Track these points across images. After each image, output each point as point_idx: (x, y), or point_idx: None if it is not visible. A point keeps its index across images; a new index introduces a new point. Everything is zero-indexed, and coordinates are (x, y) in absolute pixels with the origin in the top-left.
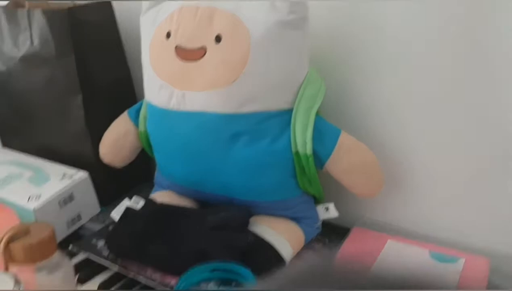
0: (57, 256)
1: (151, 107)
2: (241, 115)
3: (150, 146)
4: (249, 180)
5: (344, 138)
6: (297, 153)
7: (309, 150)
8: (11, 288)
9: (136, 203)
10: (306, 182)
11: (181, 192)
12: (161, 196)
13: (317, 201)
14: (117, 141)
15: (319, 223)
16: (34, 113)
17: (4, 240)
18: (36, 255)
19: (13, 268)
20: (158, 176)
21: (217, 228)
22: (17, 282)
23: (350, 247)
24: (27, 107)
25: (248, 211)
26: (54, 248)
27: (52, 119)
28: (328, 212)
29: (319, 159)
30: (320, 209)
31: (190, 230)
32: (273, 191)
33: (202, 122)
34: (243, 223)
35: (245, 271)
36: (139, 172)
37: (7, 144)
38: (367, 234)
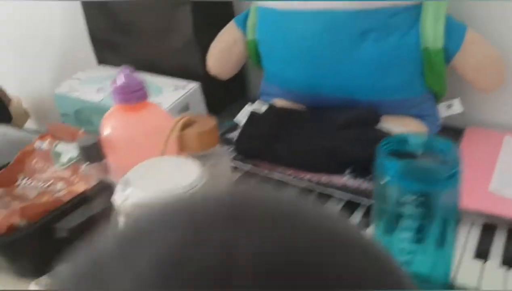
0: (218, 146)
1: (265, 11)
2: (370, 12)
3: (257, 55)
4: (376, 78)
5: (471, 34)
6: (426, 48)
7: (440, 44)
8: (196, 172)
9: (259, 108)
10: (433, 78)
11: (294, 99)
12: (275, 103)
13: (437, 99)
14: (225, 51)
15: (440, 121)
16: (136, 28)
17: (177, 127)
18: (204, 143)
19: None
20: (265, 86)
21: (345, 126)
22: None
23: (468, 148)
24: (129, 22)
25: (376, 110)
26: (218, 138)
27: (157, 33)
28: (452, 108)
29: (447, 54)
30: (441, 106)
31: (317, 129)
32: (400, 88)
33: (329, 21)
34: (372, 121)
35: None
36: (237, 87)
37: (104, 62)
38: (482, 133)
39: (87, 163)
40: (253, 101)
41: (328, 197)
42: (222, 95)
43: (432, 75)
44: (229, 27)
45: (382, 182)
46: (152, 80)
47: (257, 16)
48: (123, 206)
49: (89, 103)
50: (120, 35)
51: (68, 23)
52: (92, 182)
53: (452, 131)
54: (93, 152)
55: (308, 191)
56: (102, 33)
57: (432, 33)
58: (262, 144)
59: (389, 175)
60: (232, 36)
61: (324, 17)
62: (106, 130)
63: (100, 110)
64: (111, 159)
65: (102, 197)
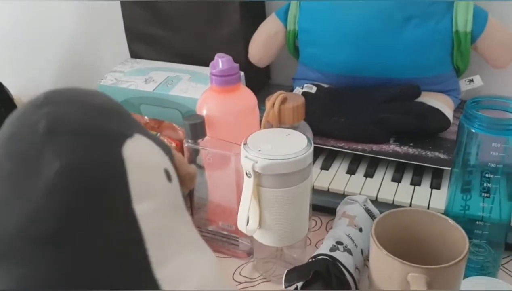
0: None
1: (311, 3)
2: (413, 1)
3: (294, 44)
4: (414, 59)
5: (492, 18)
6: (457, 31)
7: (469, 28)
8: (304, 140)
9: (309, 88)
10: (459, 57)
11: (335, 81)
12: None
13: (458, 76)
14: (267, 41)
15: (461, 95)
16: (178, 20)
17: (278, 102)
18: (296, 116)
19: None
20: (302, 71)
21: (391, 100)
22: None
23: None
24: (169, 15)
25: (418, 86)
26: (304, 112)
27: (202, 25)
28: (473, 83)
29: (473, 36)
30: (462, 82)
31: (364, 105)
32: (433, 67)
33: (378, 9)
34: (414, 95)
35: None
36: (264, 76)
37: (137, 56)
38: None
39: (192, 140)
40: (277, 87)
41: (378, 162)
42: (256, 83)
43: (459, 54)
44: (270, 19)
45: (472, 131)
46: (195, 69)
47: (298, 8)
48: (254, 168)
49: (142, 92)
50: (159, 28)
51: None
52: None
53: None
54: (199, 129)
55: (360, 157)
56: (139, 27)
57: (464, 18)
58: (317, 120)
59: (477, 125)
60: (273, 27)
61: (373, 6)
62: (204, 110)
63: (152, 100)
64: (210, 134)
65: None
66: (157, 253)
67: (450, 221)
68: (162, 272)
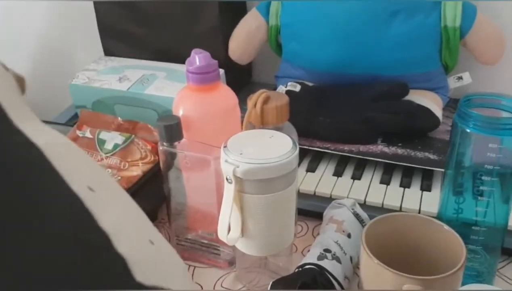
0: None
1: None
2: None
3: (276, 40)
4: (402, 54)
5: (480, 14)
6: (445, 26)
7: (458, 23)
8: (288, 142)
9: (293, 87)
10: (447, 53)
11: (319, 79)
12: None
13: (446, 73)
14: (248, 36)
15: (450, 92)
16: (154, 17)
17: (260, 102)
18: (280, 116)
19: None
20: (285, 68)
21: (377, 99)
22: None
23: None
24: (145, 11)
25: (405, 84)
26: (289, 112)
27: (178, 21)
28: (462, 80)
29: (461, 31)
30: (451, 79)
31: (350, 104)
32: (420, 63)
33: (362, 2)
34: (402, 93)
35: None
36: (246, 74)
37: (111, 53)
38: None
39: (168, 142)
40: (260, 86)
41: (365, 164)
42: (237, 81)
43: (448, 50)
44: (251, 13)
45: (466, 131)
46: (170, 66)
47: (280, 2)
48: (235, 173)
49: (115, 92)
50: (134, 24)
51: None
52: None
53: (453, 101)
54: (175, 131)
55: (347, 159)
56: (113, 23)
57: (452, 13)
58: (302, 120)
59: (472, 125)
60: (254, 22)
61: (357, 0)
62: (180, 110)
63: (126, 100)
64: (187, 136)
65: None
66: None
67: (446, 226)
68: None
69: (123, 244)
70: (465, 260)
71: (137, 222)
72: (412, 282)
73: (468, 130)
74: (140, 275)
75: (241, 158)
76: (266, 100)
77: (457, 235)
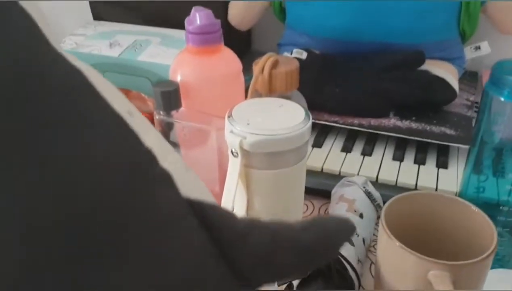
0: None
1: None
2: None
3: (280, 4)
4: (417, 21)
5: None
6: None
7: None
8: (301, 112)
9: (299, 54)
10: (466, 20)
11: (326, 48)
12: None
13: (463, 42)
14: (248, 1)
15: (466, 63)
16: None
17: (268, 67)
18: (290, 83)
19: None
20: (289, 35)
21: (391, 68)
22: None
23: None
24: None
25: (422, 52)
26: (299, 79)
27: None
28: (480, 50)
29: None
30: (468, 49)
31: (363, 72)
32: (437, 31)
33: None
34: (418, 62)
35: None
36: (246, 41)
37: (100, 18)
38: None
39: (165, 111)
40: (260, 55)
41: (376, 139)
42: (236, 49)
43: (467, 17)
44: None
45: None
46: (165, 32)
47: None
48: (241, 145)
49: (106, 58)
50: None
51: None
52: None
53: (470, 73)
54: (173, 98)
55: (356, 133)
56: None
57: None
58: (309, 90)
59: (507, 93)
60: None
61: None
62: (178, 76)
63: (117, 67)
64: (186, 105)
65: None
66: None
67: (473, 207)
68: None
69: (165, 163)
70: (497, 245)
71: (171, 149)
72: (439, 268)
73: (502, 99)
74: (184, 190)
75: (249, 128)
76: (274, 65)
77: (487, 217)
